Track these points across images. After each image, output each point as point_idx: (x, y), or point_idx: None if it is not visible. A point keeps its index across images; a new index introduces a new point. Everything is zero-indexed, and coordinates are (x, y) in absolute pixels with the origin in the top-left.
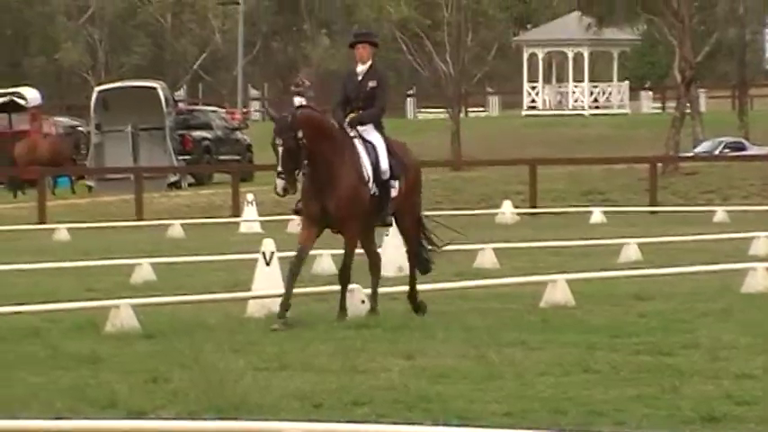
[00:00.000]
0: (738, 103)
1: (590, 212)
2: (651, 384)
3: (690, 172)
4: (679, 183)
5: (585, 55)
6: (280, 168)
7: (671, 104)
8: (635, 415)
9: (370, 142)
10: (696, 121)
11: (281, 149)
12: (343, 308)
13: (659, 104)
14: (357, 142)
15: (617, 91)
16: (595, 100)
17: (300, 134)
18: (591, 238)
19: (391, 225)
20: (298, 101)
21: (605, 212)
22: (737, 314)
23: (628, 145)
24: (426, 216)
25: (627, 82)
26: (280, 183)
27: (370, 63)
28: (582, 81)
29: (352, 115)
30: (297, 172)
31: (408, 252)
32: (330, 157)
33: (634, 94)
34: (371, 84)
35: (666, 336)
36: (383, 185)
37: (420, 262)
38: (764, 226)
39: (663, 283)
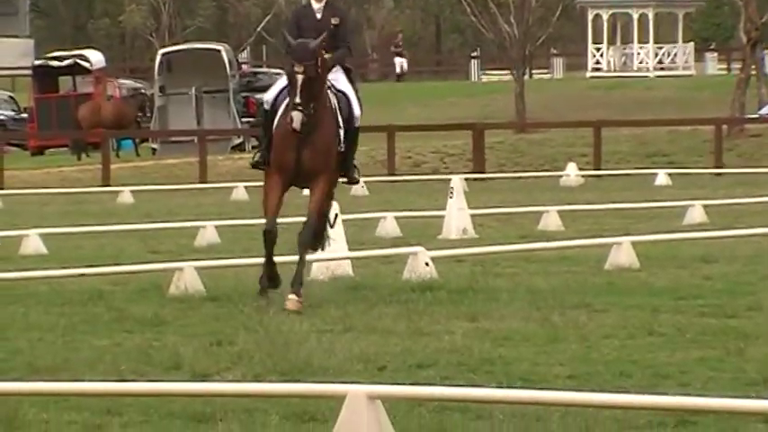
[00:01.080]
0: None
1: (654, 175)
2: (716, 347)
3: (755, 134)
4: (744, 145)
5: (650, 16)
6: (298, 99)
7: (736, 66)
8: (699, 377)
9: (341, 91)
10: (761, 83)
11: (300, 78)
12: (274, 277)
13: (724, 66)
14: (329, 92)
15: (682, 52)
16: (660, 62)
17: (320, 62)
18: (655, 201)
19: (357, 182)
20: (399, 61)
21: (670, 174)
22: None
23: (692, 107)
24: None
25: (692, 43)
26: (297, 116)
27: None
28: (647, 42)
29: (327, 56)
30: (312, 107)
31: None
32: (321, 99)
33: (699, 55)
34: (334, 21)
35: (731, 298)
36: (354, 136)
37: (320, 236)
38: None
39: (727, 245)
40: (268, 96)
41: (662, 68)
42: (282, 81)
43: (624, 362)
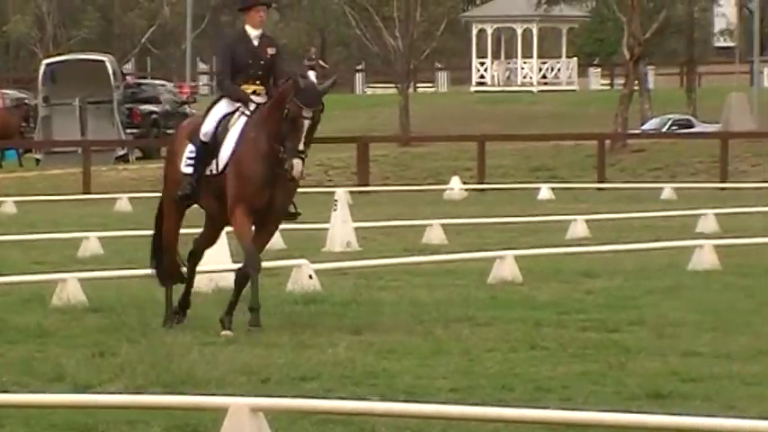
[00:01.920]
0: (686, 80)
1: (538, 189)
2: (598, 361)
3: (638, 149)
4: (627, 160)
5: (534, 31)
6: (302, 146)
7: (619, 81)
8: (581, 391)
9: None
10: (644, 98)
11: (307, 123)
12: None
13: (608, 81)
14: None
15: (566, 67)
16: (544, 76)
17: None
18: (539, 215)
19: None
20: (311, 74)
21: (553, 189)
22: (684, 291)
23: (576, 121)
24: None
25: (575, 58)
26: (299, 164)
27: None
28: (531, 57)
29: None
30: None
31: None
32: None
33: (582, 70)
34: (270, 51)
35: (613, 313)
36: None
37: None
38: (711, 203)
39: (610, 259)
40: (206, 128)
41: (546, 83)
42: (218, 111)
43: (506, 375)
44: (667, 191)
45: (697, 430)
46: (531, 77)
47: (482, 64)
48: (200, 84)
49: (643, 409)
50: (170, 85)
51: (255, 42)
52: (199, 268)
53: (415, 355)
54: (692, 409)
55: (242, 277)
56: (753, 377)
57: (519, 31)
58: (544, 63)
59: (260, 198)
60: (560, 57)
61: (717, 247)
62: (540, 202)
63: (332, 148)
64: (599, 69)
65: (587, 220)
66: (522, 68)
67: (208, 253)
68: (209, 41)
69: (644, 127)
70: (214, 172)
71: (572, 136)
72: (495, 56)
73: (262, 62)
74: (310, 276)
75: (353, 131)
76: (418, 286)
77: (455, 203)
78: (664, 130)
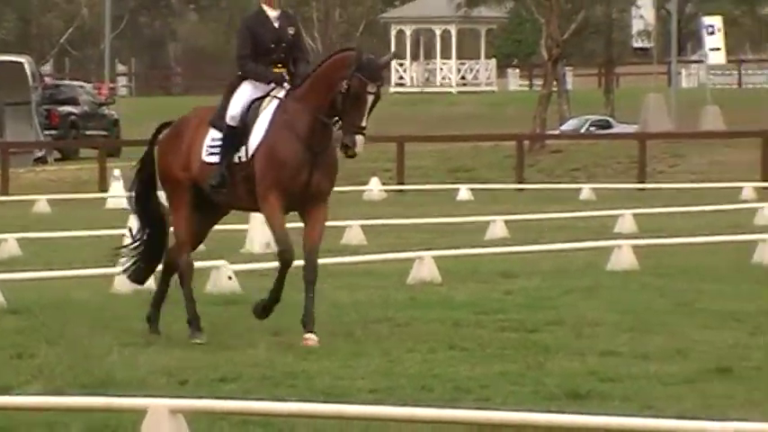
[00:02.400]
0: (605, 81)
1: (457, 190)
2: (516, 361)
3: (556, 150)
4: (545, 160)
5: (453, 32)
6: (365, 122)
7: (538, 82)
8: (500, 391)
9: None
10: (563, 99)
11: (371, 98)
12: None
13: (526, 82)
14: None
15: (484, 68)
16: (463, 77)
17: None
18: (458, 216)
19: None
20: None
21: (472, 190)
22: (602, 291)
23: (495, 122)
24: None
25: (494, 60)
26: (361, 140)
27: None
28: (449, 58)
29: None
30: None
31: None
32: None
33: (501, 71)
34: (291, 31)
35: (532, 313)
36: None
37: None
38: (629, 204)
39: (528, 260)
40: (233, 112)
41: (465, 84)
42: (244, 94)
43: (426, 376)
44: (586, 191)
45: (615, 430)
46: (449, 78)
47: (401, 65)
48: (119, 85)
49: (561, 408)
50: (89, 87)
51: (276, 24)
52: (119, 269)
53: (334, 356)
54: (610, 409)
55: (284, 264)
56: (670, 377)
57: (438, 33)
58: (463, 64)
59: (296, 181)
60: (479, 58)
61: (635, 247)
62: (459, 203)
63: None
64: (517, 70)
65: (506, 221)
66: (441, 69)
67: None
68: (127, 42)
69: (562, 128)
70: (243, 159)
71: (491, 137)
72: (414, 57)
73: (284, 44)
74: (230, 277)
75: None
76: (338, 287)
77: (374, 204)
78: (582, 130)
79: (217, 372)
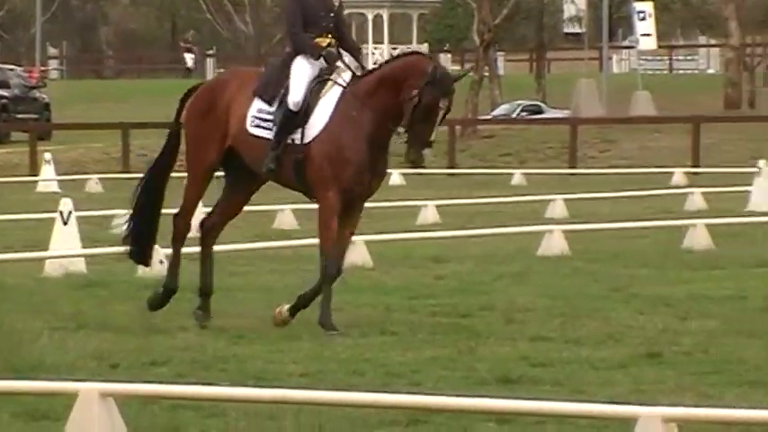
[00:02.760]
0: (536, 66)
1: (389, 174)
2: (448, 346)
3: (488, 135)
4: (477, 145)
5: (385, 17)
6: (434, 136)
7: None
8: (431, 376)
9: None
10: (494, 84)
11: (441, 113)
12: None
13: (458, 67)
14: None
15: None
16: None
17: None
18: (389, 201)
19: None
20: (188, 56)
21: (404, 175)
22: (534, 276)
23: None
24: None
25: (426, 44)
26: (428, 153)
27: None
28: (382, 43)
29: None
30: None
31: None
32: None
33: (433, 56)
34: (335, 2)
35: (463, 298)
36: None
37: None
38: (561, 189)
39: (460, 245)
40: (296, 97)
41: None
42: (302, 74)
43: (357, 360)
44: (517, 176)
45: (546, 414)
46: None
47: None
48: (50, 68)
49: (492, 393)
50: (19, 70)
51: None
52: (49, 253)
53: (265, 340)
54: (541, 394)
55: (330, 281)
56: (601, 362)
57: (370, 17)
58: (395, 49)
59: (360, 182)
60: (411, 43)
61: (566, 232)
62: (392, 188)
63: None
64: (449, 55)
65: (438, 206)
66: (373, 54)
67: (57, 238)
68: (59, 25)
69: (494, 113)
70: (297, 141)
71: None
72: None
73: (332, 14)
74: (161, 261)
75: None
76: (269, 272)
77: None
78: (513, 115)
79: (148, 355)
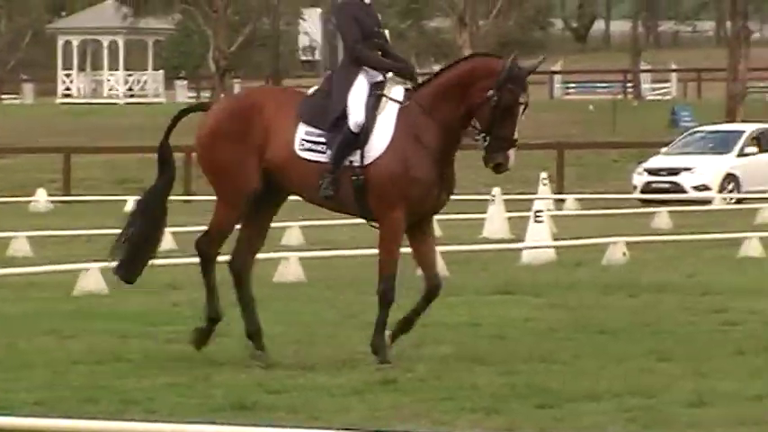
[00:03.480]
0: None
1: (125, 201)
2: (184, 373)
3: None
4: None
5: (121, 43)
6: (516, 135)
7: (206, 94)
8: (167, 403)
9: None
10: None
11: (521, 109)
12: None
13: (194, 94)
14: None
15: (152, 80)
16: (130, 89)
17: None
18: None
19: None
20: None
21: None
22: (270, 303)
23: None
24: None
25: (162, 71)
26: (513, 153)
27: None
28: (117, 70)
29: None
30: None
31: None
32: None
33: (169, 83)
34: (379, 17)
35: (199, 324)
36: None
37: None
38: (296, 216)
39: (196, 271)
40: (358, 118)
41: (132, 95)
42: (360, 93)
43: (92, 388)
44: None
45: None
46: (117, 89)
47: (68, 76)
48: None
49: (228, 420)
50: None
51: (369, 6)
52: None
53: None
54: (276, 420)
55: (387, 305)
56: (337, 388)
57: (105, 44)
58: (131, 75)
59: (429, 200)
60: (147, 69)
61: (302, 259)
62: (127, 214)
63: None
64: (185, 82)
65: (174, 233)
66: (109, 80)
67: None
68: None
69: None
70: (356, 163)
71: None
72: (82, 68)
73: (381, 30)
74: None
75: None
76: (3, 299)
77: (41, 215)
78: None
79: None
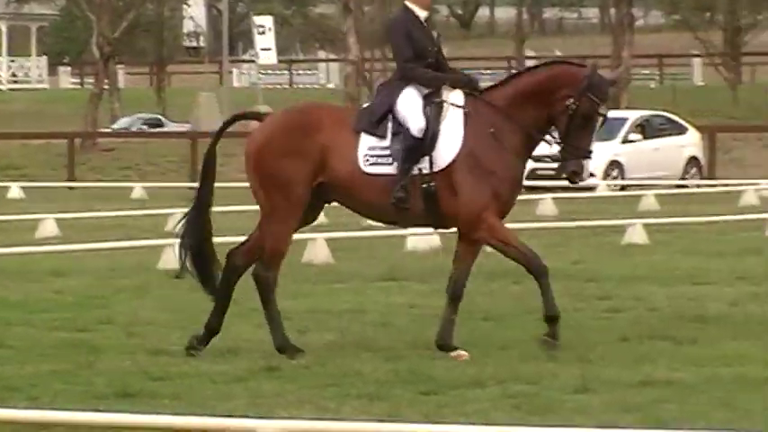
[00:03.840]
0: (156, 79)
1: (8, 187)
2: (66, 361)
3: (108, 148)
4: (97, 159)
5: (3, 29)
6: (593, 146)
7: (90, 80)
8: (49, 391)
9: None
10: (114, 97)
11: (600, 120)
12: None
13: (78, 80)
14: None
15: (36, 66)
16: (14, 75)
17: None
18: (8, 214)
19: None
20: None
21: (23, 188)
22: (154, 290)
23: (46, 120)
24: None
25: (45, 57)
26: (588, 164)
27: None
28: (0, 55)
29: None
30: None
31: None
32: None
33: (53, 69)
34: (435, 33)
35: (82, 312)
36: None
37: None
38: (180, 202)
39: (80, 258)
40: (419, 124)
41: (16, 82)
42: (415, 102)
43: None
44: (138, 190)
45: (163, 428)
46: (0, 75)
47: None
48: None
49: (111, 407)
50: None
51: (425, 25)
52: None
53: None
54: (159, 408)
55: (544, 275)
56: (220, 375)
57: None
58: (13, 61)
59: (512, 200)
60: (30, 55)
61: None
62: (10, 201)
63: None
64: (69, 68)
65: (57, 219)
66: None
67: None
68: None
69: (114, 126)
70: (425, 171)
71: (42, 135)
72: None
73: (436, 48)
74: None
75: None
76: None
77: None
78: (134, 129)
79: None
